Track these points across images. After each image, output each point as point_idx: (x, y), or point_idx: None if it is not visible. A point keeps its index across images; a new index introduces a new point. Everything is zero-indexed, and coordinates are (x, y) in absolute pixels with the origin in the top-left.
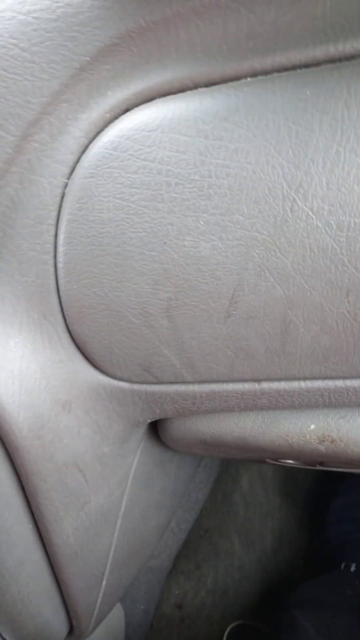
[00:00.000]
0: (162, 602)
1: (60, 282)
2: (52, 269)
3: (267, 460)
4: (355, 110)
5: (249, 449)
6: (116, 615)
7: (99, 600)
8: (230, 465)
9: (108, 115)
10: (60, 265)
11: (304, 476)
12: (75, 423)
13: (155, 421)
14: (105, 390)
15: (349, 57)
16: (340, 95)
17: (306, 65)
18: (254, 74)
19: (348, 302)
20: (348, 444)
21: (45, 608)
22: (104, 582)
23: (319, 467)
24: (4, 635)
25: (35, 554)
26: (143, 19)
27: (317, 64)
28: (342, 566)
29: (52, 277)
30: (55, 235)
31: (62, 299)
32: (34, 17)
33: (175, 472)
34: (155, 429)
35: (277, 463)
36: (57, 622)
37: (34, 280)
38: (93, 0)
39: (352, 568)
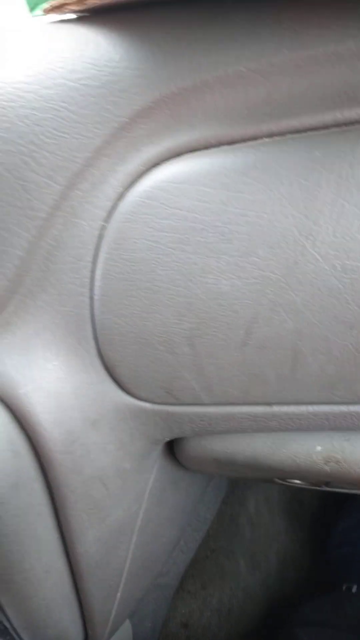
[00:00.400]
0: (168, 621)
1: (95, 312)
2: (88, 301)
3: (275, 480)
4: (359, 170)
5: (260, 468)
6: (125, 631)
7: (114, 611)
8: (237, 487)
9: (142, 167)
10: (96, 298)
11: (309, 500)
12: (101, 440)
13: (171, 441)
14: (130, 410)
15: (354, 122)
16: (345, 157)
17: (316, 129)
18: (270, 135)
19: (352, 335)
20: (351, 465)
21: (66, 616)
22: (119, 594)
23: (324, 488)
24: None
25: (60, 562)
26: (175, 86)
27: (325, 127)
28: (344, 587)
29: (88, 307)
30: (92, 271)
31: (96, 327)
32: (82, 84)
33: (186, 490)
34: (170, 449)
35: (285, 483)
36: (75, 631)
37: (71, 310)
38: (132, 70)
39: (354, 589)
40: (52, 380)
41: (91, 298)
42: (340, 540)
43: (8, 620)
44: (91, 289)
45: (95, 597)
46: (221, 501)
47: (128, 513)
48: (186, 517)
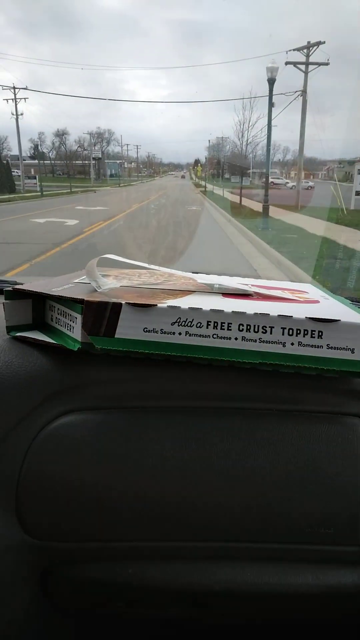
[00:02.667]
0: None
1: (19, 489)
2: (16, 482)
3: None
4: (160, 418)
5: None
6: None
7: None
8: None
9: (51, 418)
10: (20, 481)
11: None
12: (8, 559)
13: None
14: (26, 543)
15: (165, 408)
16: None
17: (137, 407)
18: (109, 407)
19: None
20: (145, 582)
21: None
22: None
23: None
24: None
25: None
26: (62, 385)
27: (138, 407)
28: None
29: (15, 485)
30: (21, 466)
31: (18, 497)
32: (26, 382)
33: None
34: (42, 584)
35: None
36: None
37: (6, 486)
38: (44, 378)
39: None
40: None
41: (18, 479)
42: None
43: None
44: (20, 473)
45: None
46: None
47: (11, 624)
48: None
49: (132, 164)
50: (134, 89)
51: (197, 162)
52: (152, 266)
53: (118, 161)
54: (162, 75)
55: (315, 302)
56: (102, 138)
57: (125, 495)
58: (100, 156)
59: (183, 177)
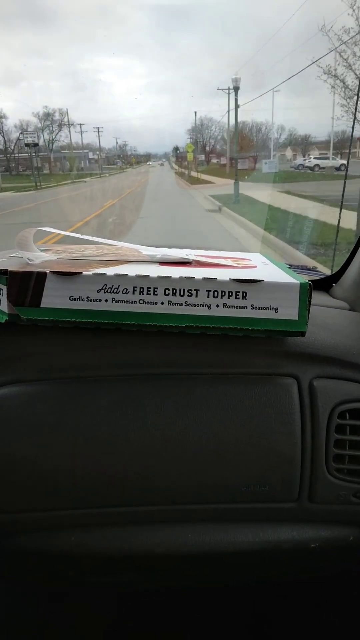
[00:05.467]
0: None
1: None
2: None
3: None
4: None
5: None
6: None
7: None
8: None
9: None
10: None
11: None
12: None
13: None
14: None
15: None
16: (85, 395)
17: (65, 377)
18: (47, 379)
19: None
20: (88, 549)
21: None
22: None
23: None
24: None
25: None
26: (5, 354)
27: (70, 377)
28: None
29: None
30: None
31: None
32: None
33: None
34: None
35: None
36: None
37: None
38: None
39: None
40: None
41: None
42: None
43: None
44: None
45: None
46: None
47: None
48: None
49: (97, 154)
50: (111, 79)
51: (176, 149)
52: (106, 240)
53: (84, 151)
54: (139, 64)
55: (252, 267)
56: (52, 120)
57: (62, 464)
58: (36, 141)
59: (162, 164)
